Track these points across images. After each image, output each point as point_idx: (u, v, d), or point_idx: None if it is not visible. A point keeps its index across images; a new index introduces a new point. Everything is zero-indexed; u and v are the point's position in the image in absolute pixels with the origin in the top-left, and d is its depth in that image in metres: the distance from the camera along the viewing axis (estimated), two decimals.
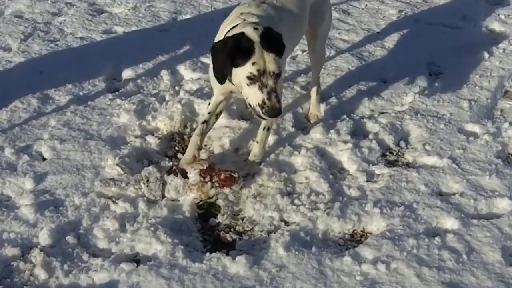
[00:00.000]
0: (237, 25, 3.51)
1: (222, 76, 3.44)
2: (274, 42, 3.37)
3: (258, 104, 3.36)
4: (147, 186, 3.71)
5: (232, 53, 3.33)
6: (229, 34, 3.45)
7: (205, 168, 3.72)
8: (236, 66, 3.36)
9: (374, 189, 3.80)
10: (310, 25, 4.11)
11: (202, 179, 3.69)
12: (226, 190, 3.72)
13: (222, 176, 3.70)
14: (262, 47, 3.32)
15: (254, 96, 3.36)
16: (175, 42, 5.30)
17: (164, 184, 3.73)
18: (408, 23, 5.76)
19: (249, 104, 3.42)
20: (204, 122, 3.87)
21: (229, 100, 3.99)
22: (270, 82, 3.34)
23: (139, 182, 3.75)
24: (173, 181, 3.72)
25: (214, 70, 3.49)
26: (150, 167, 3.80)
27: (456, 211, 3.60)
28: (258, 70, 3.32)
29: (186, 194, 3.71)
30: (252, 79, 3.33)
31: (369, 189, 3.81)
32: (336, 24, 5.63)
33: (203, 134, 3.87)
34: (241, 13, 3.61)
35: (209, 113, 3.88)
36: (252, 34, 3.35)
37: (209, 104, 3.91)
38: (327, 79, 4.87)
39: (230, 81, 3.47)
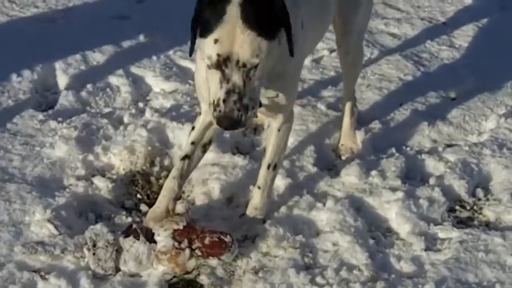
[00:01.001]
0: None
1: (192, 44, 3.35)
2: (266, 12, 3.19)
3: (213, 101, 3.26)
4: (94, 253, 3.73)
5: (201, 9, 3.24)
6: None
7: (181, 228, 3.74)
8: (200, 36, 3.26)
9: (437, 262, 3.81)
10: (340, 13, 4.18)
11: (177, 244, 3.71)
12: (213, 261, 3.74)
13: (206, 241, 3.72)
14: (239, 14, 3.14)
15: (212, 87, 3.26)
16: (138, 35, 5.40)
17: (118, 251, 3.75)
18: (489, 10, 5.85)
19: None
20: (185, 157, 3.91)
21: None
22: (235, 77, 3.20)
23: (81, 247, 3.76)
24: (133, 246, 3.74)
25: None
26: (98, 226, 3.82)
27: None
28: (218, 55, 3.18)
29: (152, 267, 3.73)
30: (211, 62, 3.21)
31: (429, 261, 3.82)
32: (380, 11, 5.71)
33: (182, 177, 3.90)
34: None
35: (192, 143, 3.91)
36: None
37: (192, 129, 3.96)
38: (368, 93, 4.94)
39: None
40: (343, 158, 4.48)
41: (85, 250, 3.75)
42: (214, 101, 3.25)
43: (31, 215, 3.98)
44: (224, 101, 3.21)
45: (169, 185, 3.87)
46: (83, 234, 3.81)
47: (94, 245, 3.74)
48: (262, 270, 3.74)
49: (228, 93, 3.20)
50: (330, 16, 4.10)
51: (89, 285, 3.63)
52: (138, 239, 3.74)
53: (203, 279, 3.71)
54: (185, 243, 3.71)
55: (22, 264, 3.72)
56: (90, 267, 3.72)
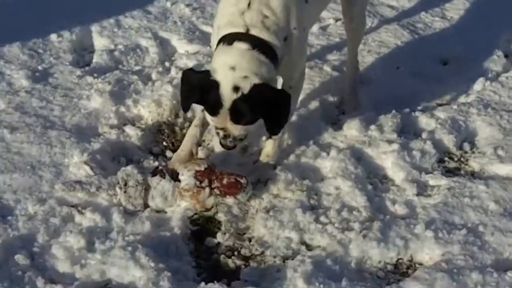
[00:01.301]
0: (236, 36, 3.44)
1: (186, 106, 3.67)
2: (249, 114, 3.43)
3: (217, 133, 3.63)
4: (125, 191, 3.74)
5: (199, 94, 3.47)
6: (223, 34, 3.50)
7: (203, 169, 3.74)
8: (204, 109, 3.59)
9: (428, 206, 3.80)
10: None
11: (198, 183, 3.71)
12: (230, 200, 3.74)
13: (224, 181, 3.72)
14: (228, 116, 3.43)
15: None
16: (165, 4, 5.33)
17: (147, 189, 3.74)
18: None
19: None
20: None
21: None
22: (228, 141, 3.59)
23: (114, 186, 3.77)
24: (159, 184, 3.74)
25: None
26: (129, 167, 3.82)
27: None
28: (216, 127, 3.55)
29: (176, 203, 3.73)
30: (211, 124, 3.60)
31: (420, 205, 3.81)
32: None
33: (203, 125, 3.90)
34: (249, 4, 3.46)
35: None
36: (227, 93, 3.38)
37: None
38: (368, 58, 4.89)
39: None
40: (346, 113, 4.44)
41: (117, 189, 3.77)
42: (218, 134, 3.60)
43: (69, 157, 3.99)
44: (223, 138, 3.58)
45: (192, 132, 3.89)
46: (115, 175, 3.83)
47: (126, 184, 3.75)
48: (272, 210, 3.75)
49: (225, 136, 3.57)
50: None
51: (120, 219, 3.65)
52: (164, 178, 3.74)
53: (221, 216, 3.74)
54: (205, 183, 3.72)
55: (62, 200, 3.76)
56: (122, 203, 3.73)
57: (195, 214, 3.73)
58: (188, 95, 3.53)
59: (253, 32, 3.44)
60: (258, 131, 3.74)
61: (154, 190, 3.74)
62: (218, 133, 3.59)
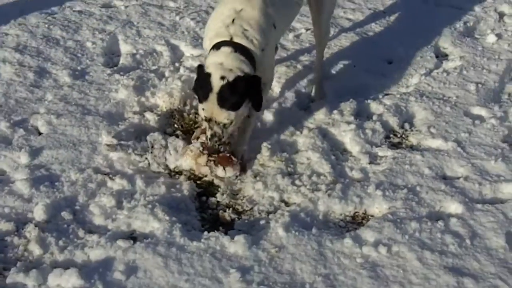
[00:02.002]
0: (223, 43, 3.49)
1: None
2: (232, 98, 3.44)
3: (206, 136, 3.60)
4: (151, 152, 3.77)
5: (195, 83, 3.57)
6: (214, 42, 3.53)
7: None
8: (198, 100, 3.56)
9: (377, 171, 3.79)
10: (314, 1, 4.13)
11: (201, 149, 3.70)
12: (219, 170, 3.69)
13: (221, 155, 3.69)
14: (216, 99, 3.42)
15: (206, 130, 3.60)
16: (175, 18, 5.27)
17: (167, 152, 3.79)
18: (415, 3, 5.72)
19: None
20: None
21: None
22: (216, 128, 3.52)
23: (144, 149, 3.82)
24: (174, 141, 3.79)
25: None
26: (156, 133, 3.86)
27: (460, 195, 3.60)
28: (205, 116, 3.51)
29: (182, 158, 3.72)
30: (201, 117, 3.56)
31: (371, 171, 3.80)
32: (341, 2, 5.60)
33: None
34: (233, 20, 3.55)
35: None
36: (216, 81, 3.42)
37: None
38: (331, 58, 4.84)
39: None
40: (315, 101, 4.40)
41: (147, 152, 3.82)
42: (206, 136, 3.58)
43: (102, 137, 3.94)
44: (209, 140, 3.56)
45: None
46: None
47: (152, 146, 3.80)
48: (259, 175, 3.75)
49: (212, 136, 3.54)
50: (298, 10, 4.09)
51: (142, 184, 3.64)
52: (178, 138, 3.84)
53: (219, 181, 3.71)
54: (206, 152, 3.69)
55: (97, 169, 3.74)
56: (149, 163, 3.76)
57: (200, 178, 3.71)
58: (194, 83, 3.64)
59: (236, 39, 3.52)
60: (239, 123, 3.65)
61: (170, 145, 3.77)
62: (205, 134, 3.57)
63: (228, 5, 3.63)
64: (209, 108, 3.47)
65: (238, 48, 3.49)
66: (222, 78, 3.42)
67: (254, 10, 3.59)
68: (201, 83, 3.49)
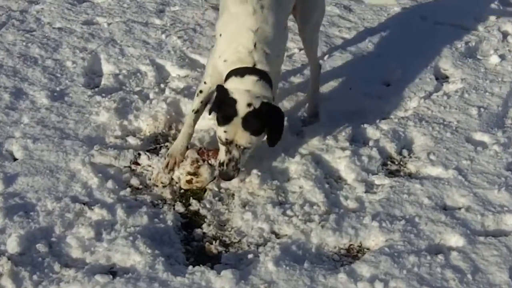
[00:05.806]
0: (247, 71, 3.66)
1: (209, 111, 3.88)
2: (257, 123, 3.63)
3: (219, 161, 3.71)
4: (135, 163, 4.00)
5: (216, 107, 3.69)
6: (234, 67, 3.68)
7: (199, 149, 3.96)
8: (217, 123, 3.69)
9: (373, 201, 3.80)
10: (300, 8, 4.19)
11: (199, 158, 3.86)
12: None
13: (212, 151, 3.88)
14: (241, 123, 3.60)
15: (220, 153, 3.72)
16: (161, 36, 5.29)
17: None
18: (414, 21, 5.78)
19: None
20: (197, 111, 4.00)
21: None
22: (235, 152, 3.67)
23: (134, 156, 4.01)
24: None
25: None
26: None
27: (461, 227, 3.61)
28: (226, 139, 3.64)
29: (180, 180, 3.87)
30: (221, 140, 3.67)
31: (367, 200, 3.81)
32: (336, 21, 5.65)
33: (194, 125, 4.02)
34: (255, 45, 3.69)
35: (201, 102, 3.99)
36: (242, 107, 3.61)
37: (200, 92, 3.96)
38: (326, 80, 4.85)
39: None
40: (308, 125, 4.42)
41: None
42: (220, 161, 3.71)
43: (81, 163, 3.94)
44: (226, 164, 3.67)
45: (186, 130, 4.01)
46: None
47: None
48: (248, 205, 3.75)
49: (229, 161, 3.67)
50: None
51: (123, 214, 3.63)
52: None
53: (205, 211, 3.73)
54: (205, 156, 3.90)
55: (75, 198, 3.72)
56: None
57: (185, 208, 3.72)
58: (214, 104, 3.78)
59: (259, 66, 3.70)
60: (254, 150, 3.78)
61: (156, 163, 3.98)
62: (221, 163, 3.69)
63: (242, 24, 3.74)
64: (232, 131, 3.62)
65: (263, 76, 3.69)
66: (249, 105, 3.61)
67: (267, 26, 3.75)
68: (224, 107, 3.64)
